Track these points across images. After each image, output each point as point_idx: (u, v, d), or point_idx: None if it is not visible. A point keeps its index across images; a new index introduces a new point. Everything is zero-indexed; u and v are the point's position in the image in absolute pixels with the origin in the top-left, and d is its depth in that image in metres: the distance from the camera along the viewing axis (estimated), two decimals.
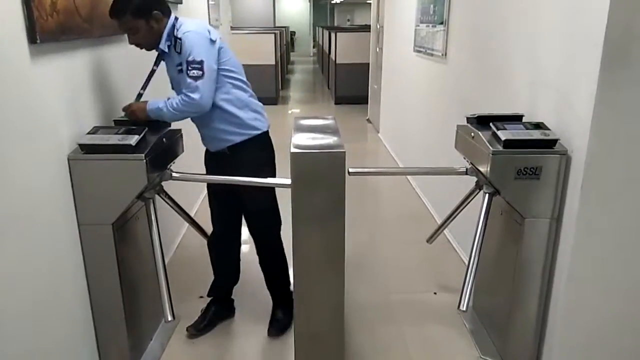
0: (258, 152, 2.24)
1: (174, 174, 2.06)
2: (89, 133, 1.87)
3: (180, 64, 2.00)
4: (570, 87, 1.88)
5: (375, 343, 2.36)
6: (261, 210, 2.32)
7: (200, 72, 1.96)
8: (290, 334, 2.18)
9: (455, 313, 2.51)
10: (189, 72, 1.95)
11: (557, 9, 2.00)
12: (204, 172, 2.39)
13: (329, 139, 1.95)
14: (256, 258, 2.46)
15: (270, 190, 2.30)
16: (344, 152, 1.83)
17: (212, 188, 2.40)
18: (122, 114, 2.11)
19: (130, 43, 2.02)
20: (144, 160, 1.77)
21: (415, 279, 2.96)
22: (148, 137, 1.89)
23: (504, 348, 2.16)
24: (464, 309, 1.91)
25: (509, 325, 2.11)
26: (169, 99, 2.03)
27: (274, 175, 2.29)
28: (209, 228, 2.58)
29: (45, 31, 1.65)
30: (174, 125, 2.16)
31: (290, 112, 8.45)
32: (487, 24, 2.77)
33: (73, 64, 1.90)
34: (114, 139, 1.79)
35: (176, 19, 2.07)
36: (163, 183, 2.11)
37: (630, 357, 2.04)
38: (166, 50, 2.05)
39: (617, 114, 1.73)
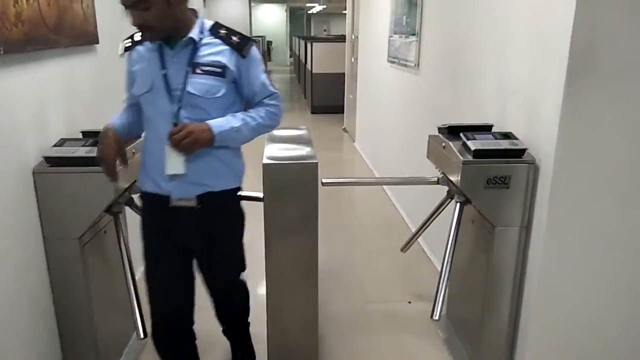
0: (239, 208, 1.79)
1: None
2: (55, 145, 1.82)
3: (219, 66, 1.59)
4: (537, 97, 1.92)
5: (350, 354, 2.35)
6: (233, 282, 1.91)
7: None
8: None
9: (429, 322, 2.52)
10: (269, 79, 1.70)
11: (524, 20, 2.04)
12: None
13: (302, 150, 1.95)
14: None
15: (243, 256, 1.85)
16: (316, 163, 1.83)
17: (158, 250, 1.74)
18: (94, 127, 2.03)
19: (135, 23, 1.52)
20: None
21: (389, 288, 2.96)
22: None
23: (477, 356, 2.18)
24: (437, 318, 1.92)
25: (481, 333, 2.13)
26: (242, 115, 1.64)
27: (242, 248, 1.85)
28: None
29: (9, 42, 1.61)
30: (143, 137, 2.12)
31: None
32: (458, 35, 2.81)
33: (40, 75, 1.85)
34: (80, 152, 1.75)
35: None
36: (134, 195, 2.07)
37: None
38: (205, 40, 1.61)
39: (583, 123, 1.77)
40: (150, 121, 1.65)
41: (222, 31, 1.64)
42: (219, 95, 1.60)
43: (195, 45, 1.60)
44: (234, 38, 1.62)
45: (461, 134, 2.02)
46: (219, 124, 1.59)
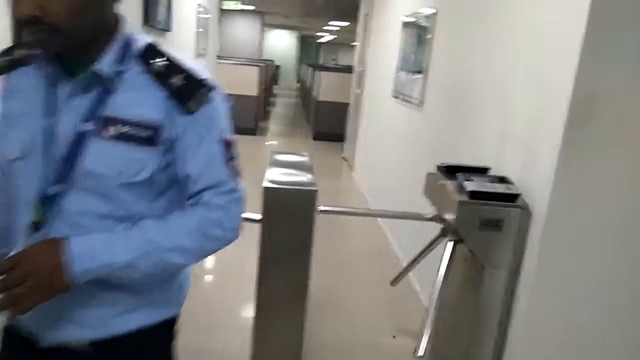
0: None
1: None
2: None
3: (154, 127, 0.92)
4: (535, 144, 1.97)
5: None
6: None
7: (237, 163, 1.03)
8: None
9: (412, 358, 2.51)
10: (226, 156, 0.99)
11: (528, 68, 2.11)
12: None
13: (303, 176, 1.99)
14: None
15: None
16: (316, 190, 1.87)
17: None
18: None
19: (26, 13, 0.81)
20: None
21: (376, 321, 2.96)
22: None
23: None
24: (421, 354, 1.92)
25: None
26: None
27: None
28: None
29: None
30: None
31: (267, 143, 8.51)
32: (463, 76, 2.89)
33: None
34: None
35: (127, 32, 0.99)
36: None
37: None
38: (127, 75, 0.93)
39: (578, 172, 1.82)
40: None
41: (160, 61, 0.94)
42: (140, 177, 0.92)
43: (106, 84, 0.91)
44: (176, 78, 0.93)
45: (458, 175, 2.06)
46: (89, 250, 0.87)
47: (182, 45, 4.01)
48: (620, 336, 2.01)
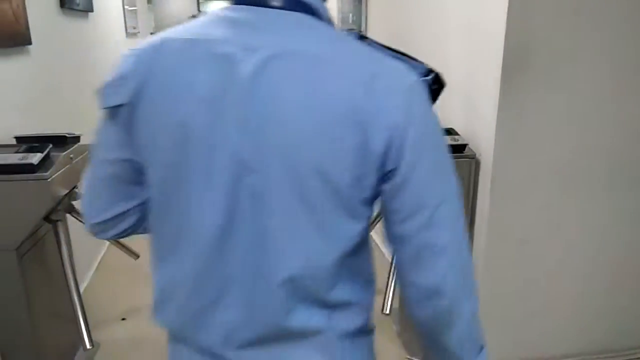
0: None
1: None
2: None
3: None
4: (475, 94, 1.99)
5: None
6: None
7: None
8: None
9: (381, 316, 2.56)
10: None
11: (461, 20, 2.10)
12: None
13: None
14: None
15: None
16: None
17: None
18: (28, 132, 1.95)
19: None
20: (48, 180, 1.66)
21: None
22: (53, 155, 1.77)
23: None
24: (387, 312, 1.95)
25: None
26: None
27: None
28: (135, 246, 2.46)
29: None
30: (84, 140, 2.05)
31: None
32: (399, 34, 2.87)
33: None
34: (13, 158, 1.67)
35: None
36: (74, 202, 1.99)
37: (543, 345, 2.17)
38: None
39: (518, 117, 1.85)
40: None
41: None
42: None
43: None
44: None
45: None
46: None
47: (109, 26, 3.79)
48: (570, 277, 2.10)
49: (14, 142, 1.89)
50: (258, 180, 0.66)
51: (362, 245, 0.73)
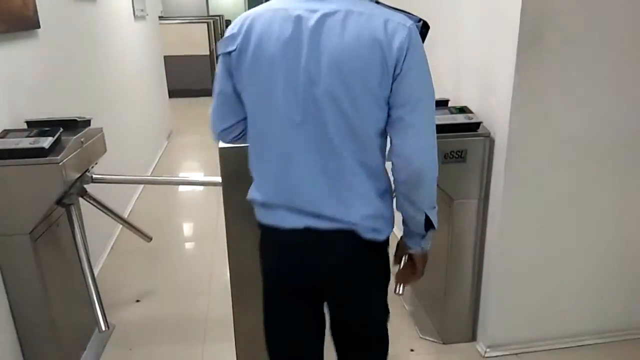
0: None
1: (94, 177, 1.96)
2: None
3: None
4: (490, 71, 1.94)
5: None
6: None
7: None
8: None
9: (394, 296, 2.56)
10: None
11: None
12: (134, 172, 2.28)
13: None
14: None
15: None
16: None
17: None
18: (39, 116, 1.95)
19: None
20: (60, 164, 1.66)
21: None
22: (64, 139, 1.77)
23: (442, 326, 2.23)
24: (400, 292, 1.94)
25: (445, 304, 2.18)
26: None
27: None
28: (148, 229, 2.48)
29: None
30: (94, 124, 2.05)
31: None
32: (414, 6, 2.80)
33: None
34: (24, 143, 1.67)
35: None
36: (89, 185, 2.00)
37: (558, 325, 2.16)
38: None
39: (534, 94, 1.80)
40: None
41: None
42: None
43: None
44: None
45: None
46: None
47: (116, 9, 3.76)
48: (587, 256, 2.07)
49: (25, 126, 1.89)
50: (319, 89, 1.09)
51: (383, 133, 1.17)
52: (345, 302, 1.33)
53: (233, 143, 1.39)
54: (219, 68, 1.21)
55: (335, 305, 1.35)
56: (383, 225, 1.23)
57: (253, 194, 1.28)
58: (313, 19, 1.09)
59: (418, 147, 1.14)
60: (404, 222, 1.30)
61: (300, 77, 1.10)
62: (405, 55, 1.08)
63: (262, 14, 1.14)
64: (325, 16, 1.09)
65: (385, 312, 1.41)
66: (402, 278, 1.43)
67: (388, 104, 1.12)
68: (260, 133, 1.20)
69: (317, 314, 1.36)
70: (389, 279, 1.39)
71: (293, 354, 1.41)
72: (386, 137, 1.18)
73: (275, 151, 1.18)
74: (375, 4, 1.15)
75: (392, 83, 1.10)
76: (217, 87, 1.24)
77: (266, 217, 1.27)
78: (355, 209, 1.18)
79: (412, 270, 1.40)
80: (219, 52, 1.19)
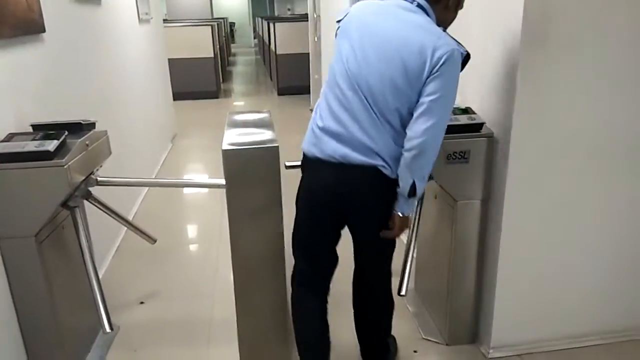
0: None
1: (99, 179, 1.97)
2: (2, 141, 1.75)
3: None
4: (493, 71, 1.94)
5: None
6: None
7: None
8: None
9: (397, 297, 2.56)
10: None
11: None
12: (138, 174, 2.29)
13: (262, 134, 1.93)
14: None
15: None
16: (277, 146, 1.81)
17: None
18: (45, 119, 1.97)
19: None
20: (65, 167, 1.68)
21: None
22: (69, 142, 1.79)
23: (445, 327, 2.23)
24: (404, 293, 1.94)
25: (448, 305, 2.18)
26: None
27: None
28: (153, 231, 2.49)
29: None
30: (99, 127, 2.06)
31: (235, 104, 8.34)
32: None
33: None
34: (30, 146, 1.69)
35: None
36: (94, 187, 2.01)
37: (561, 326, 2.16)
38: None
39: (537, 95, 1.81)
40: None
41: None
42: None
43: None
44: None
45: None
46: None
47: (121, 12, 3.79)
48: (589, 250, 2.07)
49: (30, 129, 1.91)
50: (377, 61, 1.55)
51: (410, 113, 1.54)
52: (359, 217, 1.73)
53: None
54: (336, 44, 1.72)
55: (354, 222, 1.76)
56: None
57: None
58: (393, 15, 1.59)
59: (427, 127, 1.50)
60: (397, 185, 1.62)
61: (379, 40, 1.57)
62: (439, 69, 1.48)
63: (364, 3, 1.68)
64: (397, 17, 1.58)
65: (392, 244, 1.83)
66: (385, 232, 1.71)
67: (420, 93, 1.52)
68: (329, 87, 1.70)
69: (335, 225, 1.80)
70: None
71: (312, 247, 1.84)
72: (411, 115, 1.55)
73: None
74: (442, 32, 1.56)
75: (426, 79, 1.50)
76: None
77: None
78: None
79: (392, 227, 1.70)
80: (337, 20, 1.72)
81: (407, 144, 1.52)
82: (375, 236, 1.72)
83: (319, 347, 1.86)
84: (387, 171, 1.59)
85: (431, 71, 1.48)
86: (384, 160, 1.58)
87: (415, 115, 1.52)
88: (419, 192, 1.58)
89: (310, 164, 1.69)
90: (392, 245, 1.82)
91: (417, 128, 1.51)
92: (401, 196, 1.61)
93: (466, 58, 1.58)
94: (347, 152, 1.58)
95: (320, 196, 1.69)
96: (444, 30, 1.57)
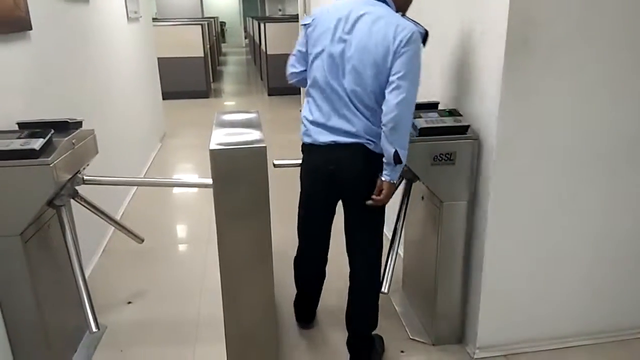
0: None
1: (86, 178, 1.96)
2: None
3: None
4: (478, 73, 1.96)
5: (309, 335, 2.38)
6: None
7: None
8: None
9: (385, 297, 2.57)
10: None
11: (463, 1, 2.07)
12: (127, 173, 2.28)
13: (250, 134, 1.93)
14: None
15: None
16: (265, 147, 1.81)
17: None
18: (31, 117, 1.96)
19: None
20: (51, 165, 1.67)
21: (344, 265, 2.99)
22: (55, 140, 1.78)
23: (432, 327, 2.25)
24: (386, 291, 1.97)
25: (435, 305, 2.20)
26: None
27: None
28: (139, 229, 2.48)
29: None
30: (86, 125, 2.05)
31: (226, 103, 8.31)
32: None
33: None
34: (15, 144, 1.68)
35: None
36: (81, 186, 2.00)
37: (546, 326, 2.18)
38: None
39: (521, 98, 1.83)
40: None
41: None
42: None
43: None
44: None
45: None
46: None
47: (110, 11, 3.77)
48: (575, 258, 2.10)
49: (16, 127, 1.89)
50: (349, 55, 1.80)
51: (383, 94, 1.78)
52: (350, 189, 1.94)
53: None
54: (300, 36, 2.00)
55: (346, 195, 1.98)
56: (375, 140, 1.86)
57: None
58: (355, 14, 1.81)
59: (398, 101, 1.71)
60: (383, 156, 1.81)
61: (340, 44, 1.83)
62: (403, 48, 1.72)
63: (327, 8, 1.90)
64: (361, 15, 1.80)
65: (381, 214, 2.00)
66: (373, 199, 1.87)
67: (389, 73, 1.75)
68: (311, 83, 1.95)
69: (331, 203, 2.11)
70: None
71: (313, 222, 2.23)
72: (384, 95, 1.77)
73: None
74: (394, 13, 1.82)
75: (392, 61, 1.74)
76: (296, 47, 2.02)
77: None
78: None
79: (379, 194, 1.87)
80: (302, 24, 1.98)
81: (384, 119, 1.74)
82: (364, 207, 1.90)
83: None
84: (371, 146, 1.84)
85: (394, 53, 1.72)
86: (366, 139, 1.84)
87: (386, 92, 1.75)
88: (403, 159, 1.76)
89: (306, 149, 2.00)
90: (381, 214, 1.99)
91: (390, 103, 1.73)
92: (388, 164, 1.80)
93: (425, 35, 1.87)
94: (335, 138, 1.87)
95: (315, 173, 1.98)
96: (403, 15, 1.86)
